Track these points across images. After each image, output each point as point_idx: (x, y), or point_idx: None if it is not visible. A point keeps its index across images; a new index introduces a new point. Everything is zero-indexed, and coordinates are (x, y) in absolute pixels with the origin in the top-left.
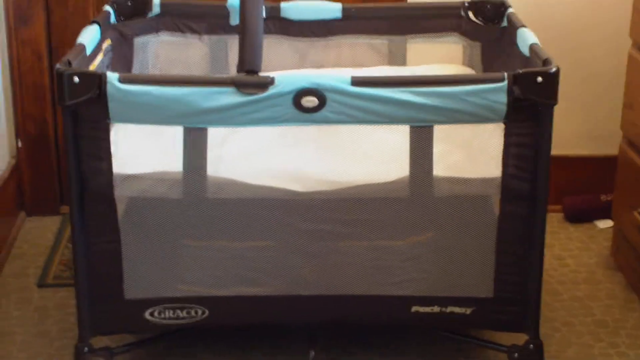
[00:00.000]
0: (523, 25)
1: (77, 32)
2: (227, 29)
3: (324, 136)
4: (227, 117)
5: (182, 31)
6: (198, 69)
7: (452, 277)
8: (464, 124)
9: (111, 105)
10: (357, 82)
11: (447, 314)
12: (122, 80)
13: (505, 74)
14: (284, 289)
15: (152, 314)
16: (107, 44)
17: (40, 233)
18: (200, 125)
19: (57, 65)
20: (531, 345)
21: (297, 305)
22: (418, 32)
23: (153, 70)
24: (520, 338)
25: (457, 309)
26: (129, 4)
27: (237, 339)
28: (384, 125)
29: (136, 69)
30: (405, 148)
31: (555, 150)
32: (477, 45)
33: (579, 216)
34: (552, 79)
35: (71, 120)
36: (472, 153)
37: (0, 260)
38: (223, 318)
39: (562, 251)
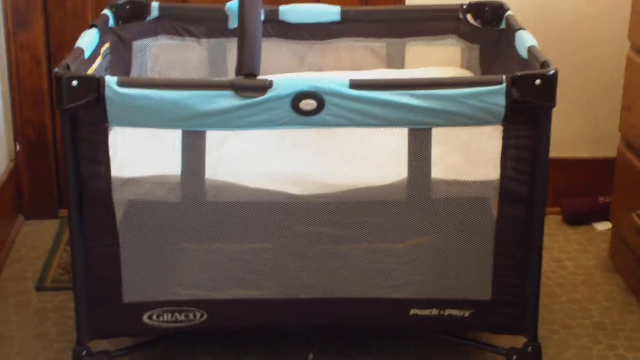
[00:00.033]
0: (521, 28)
1: (75, 36)
2: (226, 32)
3: (322, 139)
4: (225, 120)
5: (180, 34)
6: (196, 73)
7: (450, 280)
8: (463, 126)
9: (109, 109)
10: (355, 85)
11: (446, 317)
12: (120, 83)
13: (504, 77)
14: (283, 292)
15: (150, 318)
16: (105, 47)
17: (39, 236)
18: (199, 129)
19: (56, 69)
20: (529, 348)
21: (296, 308)
22: (416, 34)
23: (152, 74)
24: (519, 340)
25: (455, 312)
26: (128, 7)
27: (235, 341)
28: (382, 128)
29: (135, 73)
30: (403, 151)
31: (553, 153)
32: (475, 48)
33: (577, 218)
34: (551, 82)
35: (70, 124)
36: (471, 155)
37: None
38: (221, 321)
39: (561, 253)
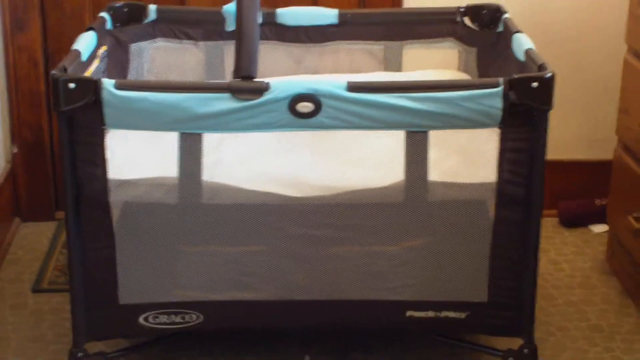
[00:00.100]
0: (519, 31)
1: (73, 39)
2: (223, 35)
3: (319, 141)
4: (222, 122)
5: (178, 37)
6: (194, 75)
7: (446, 282)
8: (460, 129)
9: (107, 111)
10: (352, 87)
11: (442, 319)
12: (117, 86)
13: (501, 79)
14: (279, 293)
15: (146, 319)
16: (103, 50)
17: (36, 238)
18: (196, 131)
19: (53, 72)
20: (526, 350)
21: (292, 310)
22: (414, 37)
23: (149, 76)
24: (515, 342)
25: (451, 314)
26: (125, 10)
27: (232, 343)
28: (380, 131)
29: (132, 75)
30: (400, 153)
31: (550, 155)
32: (472, 51)
33: (574, 221)
34: (548, 84)
35: (67, 126)
36: (468, 158)
37: None
38: (218, 323)
39: (557, 256)
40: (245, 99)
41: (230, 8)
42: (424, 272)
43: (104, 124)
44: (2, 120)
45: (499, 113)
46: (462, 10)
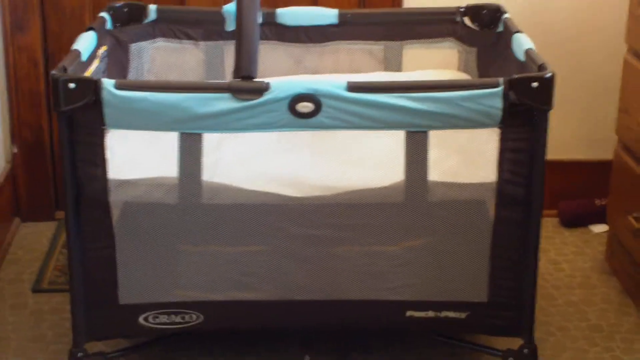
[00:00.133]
0: (519, 31)
1: (73, 39)
2: (223, 35)
3: (319, 141)
4: (222, 122)
5: (178, 37)
6: (194, 75)
7: (446, 282)
8: (460, 129)
9: (107, 112)
10: (352, 87)
11: (442, 319)
12: (117, 86)
13: (501, 79)
14: (279, 294)
15: (146, 319)
16: (103, 50)
17: (36, 238)
18: (196, 131)
19: (53, 72)
20: (526, 350)
21: (292, 310)
22: (414, 37)
23: (149, 76)
24: (515, 342)
25: (451, 314)
26: (125, 10)
27: (232, 342)
28: (380, 131)
29: (132, 75)
30: (400, 153)
31: (550, 155)
32: (472, 51)
33: (574, 221)
34: (548, 84)
35: (67, 127)
36: (468, 158)
37: None
38: (218, 323)
39: (557, 256)
40: (245, 99)
41: (230, 8)
42: (424, 272)
43: (104, 124)
44: (2, 120)
45: (499, 113)
46: (462, 10)
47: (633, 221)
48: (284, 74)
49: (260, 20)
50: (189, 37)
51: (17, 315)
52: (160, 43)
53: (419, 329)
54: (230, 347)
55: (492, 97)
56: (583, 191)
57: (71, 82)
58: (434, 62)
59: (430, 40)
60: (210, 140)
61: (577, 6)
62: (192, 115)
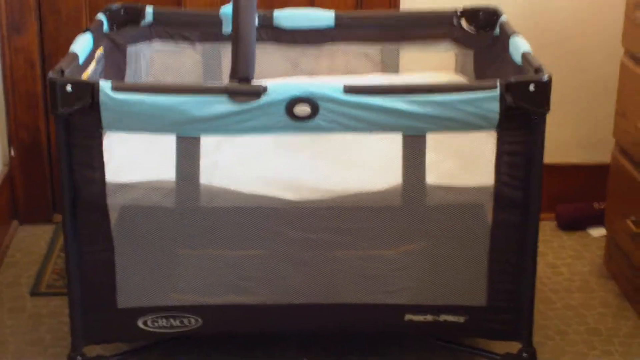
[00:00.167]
0: (515, 33)
1: (70, 41)
2: (220, 37)
3: (316, 144)
4: (220, 125)
5: (175, 39)
6: (191, 77)
7: (445, 286)
8: (457, 132)
9: (104, 114)
10: (349, 90)
11: (441, 322)
12: (115, 88)
13: (498, 82)
14: (277, 297)
15: (145, 323)
16: (100, 52)
17: (33, 241)
18: (193, 134)
19: (50, 74)
20: (524, 354)
21: (290, 314)
22: (411, 39)
23: (146, 79)
24: (514, 346)
25: (450, 318)
26: (122, 12)
27: (231, 346)
28: (377, 134)
29: (129, 78)
30: (397, 156)
31: (548, 158)
32: (469, 53)
33: (572, 224)
34: (545, 87)
35: (64, 129)
36: (465, 161)
37: None
38: (216, 327)
39: (556, 259)
40: (243, 102)
41: (227, 10)
42: (422, 275)
43: (101, 127)
44: None
45: (495, 116)
46: (459, 12)
47: (631, 225)
48: (280, 77)
49: (257, 22)
50: (186, 39)
51: (15, 318)
52: (157, 45)
53: (417, 332)
54: (228, 351)
55: (489, 100)
56: (581, 194)
57: (68, 84)
58: (431, 64)
59: (427, 42)
60: (208, 143)
61: (575, 8)
62: (190, 117)
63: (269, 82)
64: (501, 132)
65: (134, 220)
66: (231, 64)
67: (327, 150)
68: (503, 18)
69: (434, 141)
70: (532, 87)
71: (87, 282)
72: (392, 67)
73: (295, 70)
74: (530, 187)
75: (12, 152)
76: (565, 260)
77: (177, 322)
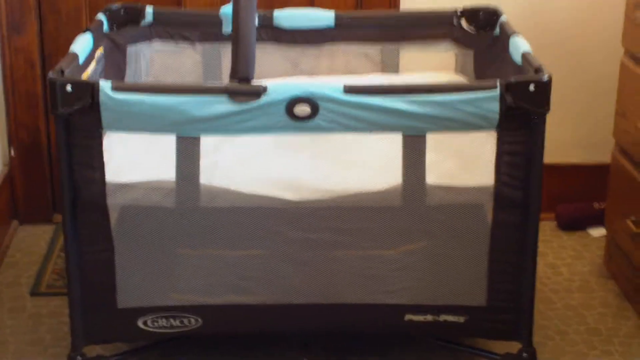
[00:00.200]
0: (515, 33)
1: (70, 41)
2: (220, 37)
3: (316, 144)
4: (220, 125)
5: (175, 39)
6: (191, 77)
7: (445, 286)
8: (457, 132)
9: (104, 114)
10: (349, 90)
11: (441, 322)
12: (115, 88)
13: (498, 82)
14: (277, 297)
15: (145, 323)
16: (100, 52)
17: (33, 242)
18: (193, 134)
19: (50, 74)
20: (524, 354)
21: (290, 314)
22: (411, 39)
23: (146, 79)
24: (514, 346)
25: (450, 318)
26: (122, 12)
27: (231, 346)
28: (377, 134)
29: (129, 78)
30: (397, 156)
31: (547, 158)
32: (469, 53)
33: (572, 224)
34: (545, 87)
35: (64, 129)
36: (465, 161)
37: None
38: (216, 327)
39: (556, 259)
40: (243, 102)
41: (227, 10)
42: (423, 275)
43: (101, 127)
44: None
45: (495, 116)
46: (459, 13)
47: (631, 225)
48: (280, 77)
49: (257, 22)
50: (186, 39)
51: (15, 318)
52: (157, 45)
53: (417, 332)
54: (228, 351)
55: (489, 100)
56: (581, 194)
57: (68, 84)
58: (431, 64)
59: (427, 42)
60: (208, 143)
61: (575, 8)
62: (190, 117)
63: (269, 82)
64: (501, 132)
65: (134, 220)
66: (231, 64)
67: (327, 150)
68: (503, 18)
69: (434, 141)
70: (532, 87)
71: (87, 282)
72: (392, 67)
73: (295, 70)
74: (530, 187)
75: (12, 152)
76: (565, 260)
77: (177, 322)
